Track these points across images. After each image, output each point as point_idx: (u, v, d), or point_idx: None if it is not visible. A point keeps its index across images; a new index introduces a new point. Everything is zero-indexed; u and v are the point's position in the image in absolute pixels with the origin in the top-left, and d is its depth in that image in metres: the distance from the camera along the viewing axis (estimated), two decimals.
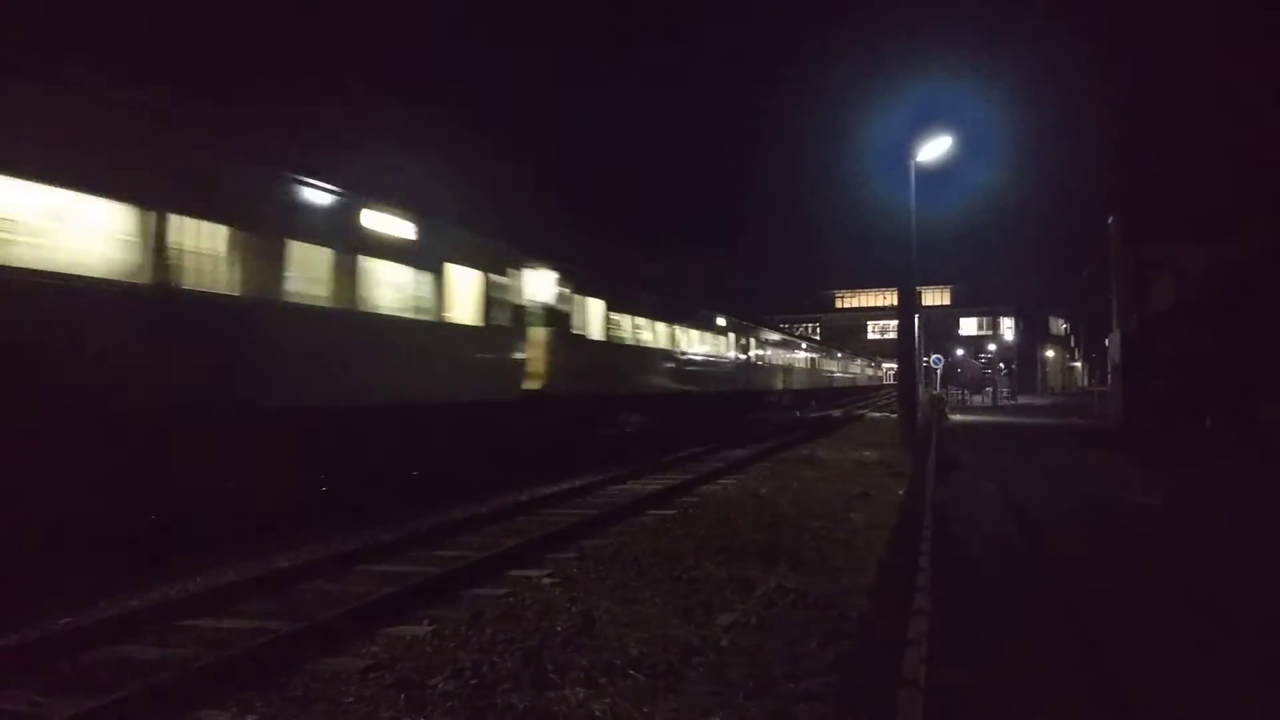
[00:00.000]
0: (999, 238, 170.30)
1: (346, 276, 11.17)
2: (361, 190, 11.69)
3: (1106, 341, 35.39)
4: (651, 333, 23.03)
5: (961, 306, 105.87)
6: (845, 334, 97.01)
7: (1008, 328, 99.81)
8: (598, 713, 4.76)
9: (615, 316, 20.30)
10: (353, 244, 11.31)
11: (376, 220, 11.78)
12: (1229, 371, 23.50)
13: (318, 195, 10.95)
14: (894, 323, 35.44)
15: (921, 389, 38.91)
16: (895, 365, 42.23)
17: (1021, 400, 60.40)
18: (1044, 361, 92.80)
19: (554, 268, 16.93)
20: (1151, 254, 29.27)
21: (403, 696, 4.99)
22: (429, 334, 12.89)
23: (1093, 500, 12.85)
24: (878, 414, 41.43)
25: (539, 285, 16.34)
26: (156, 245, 8.56)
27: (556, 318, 16.91)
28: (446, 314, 13.24)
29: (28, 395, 7.42)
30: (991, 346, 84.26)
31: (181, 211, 8.82)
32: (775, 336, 42.19)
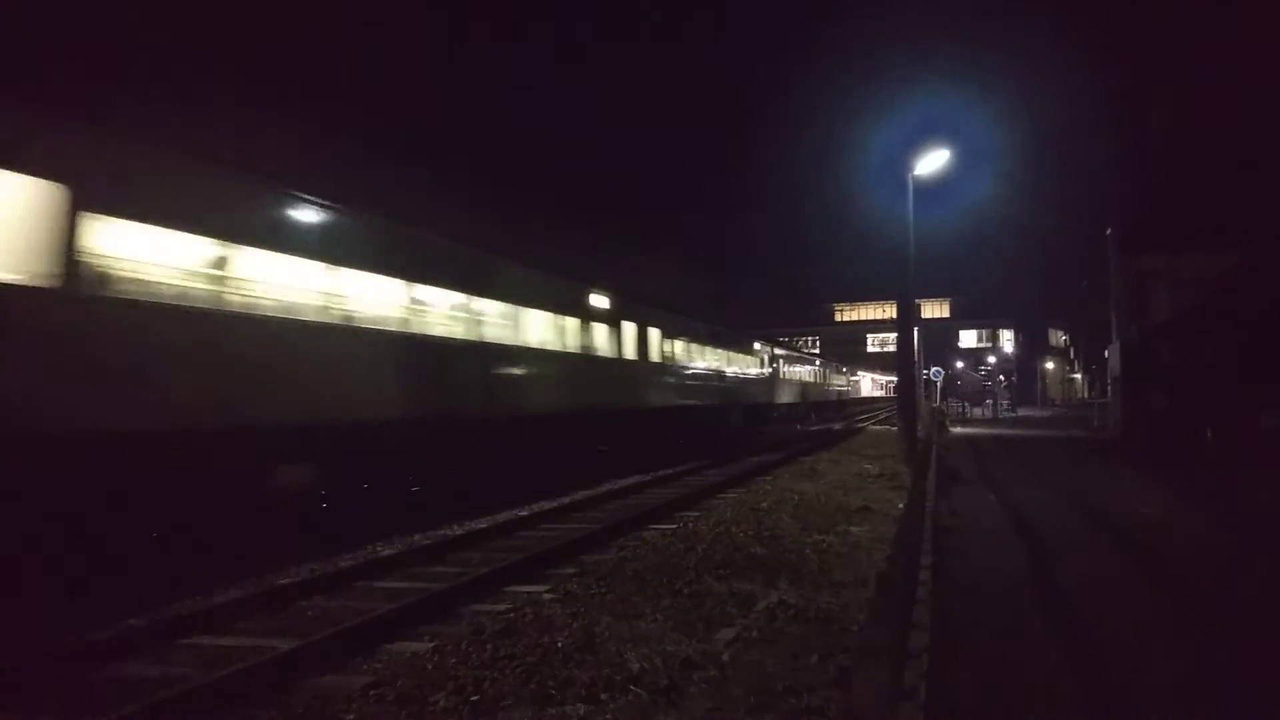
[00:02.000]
0: (998, 249, 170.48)
1: (580, 333, 17.80)
2: (585, 279, 18.57)
3: (1106, 352, 35.37)
4: (712, 359, 28.78)
5: (960, 319, 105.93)
6: (846, 347, 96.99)
7: (1007, 340, 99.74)
8: None
9: (694, 349, 26.54)
10: (582, 313, 17.90)
11: (594, 297, 18.55)
12: (1229, 381, 23.48)
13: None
14: (894, 335, 35.73)
15: (922, 401, 38.92)
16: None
17: (1021, 412, 60.36)
18: (1044, 373, 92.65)
19: (662, 316, 23.11)
20: (1150, 264, 29.20)
21: (404, 713, 4.99)
22: (615, 367, 19.52)
23: (1093, 512, 12.82)
24: (879, 427, 41.41)
25: (654, 330, 22.39)
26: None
27: (665, 352, 23.14)
28: (623, 354, 19.95)
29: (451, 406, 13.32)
30: (991, 358, 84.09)
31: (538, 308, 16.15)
32: (794, 354, 46.75)
